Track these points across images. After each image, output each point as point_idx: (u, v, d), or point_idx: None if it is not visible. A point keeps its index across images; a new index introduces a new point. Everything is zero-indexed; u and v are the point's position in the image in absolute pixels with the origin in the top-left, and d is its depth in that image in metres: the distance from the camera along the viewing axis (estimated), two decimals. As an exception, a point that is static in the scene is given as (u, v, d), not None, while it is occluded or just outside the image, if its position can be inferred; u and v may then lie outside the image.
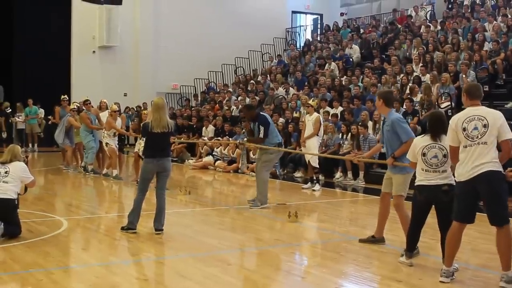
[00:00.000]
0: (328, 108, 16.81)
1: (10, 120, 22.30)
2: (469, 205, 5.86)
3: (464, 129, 5.80)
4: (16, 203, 7.74)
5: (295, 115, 17.92)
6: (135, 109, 23.90)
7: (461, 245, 6.07)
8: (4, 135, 21.90)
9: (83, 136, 15.24)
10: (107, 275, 6.40)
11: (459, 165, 5.84)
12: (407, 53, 19.42)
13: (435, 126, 6.40)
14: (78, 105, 16.33)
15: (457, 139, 5.89)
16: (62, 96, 18.73)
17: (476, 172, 5.70)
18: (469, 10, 20.95)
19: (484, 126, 5.73)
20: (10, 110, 22.60)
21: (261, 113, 11.44)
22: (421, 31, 20.77)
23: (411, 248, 6.61)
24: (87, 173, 15.08)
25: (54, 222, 8.93)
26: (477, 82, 15.76)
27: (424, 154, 6.30)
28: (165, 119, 8.09)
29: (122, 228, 8.17)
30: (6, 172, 7.67)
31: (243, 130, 18.30)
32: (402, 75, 17.39)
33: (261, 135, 10.74)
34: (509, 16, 18.46)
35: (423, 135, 6.55)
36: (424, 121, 15.11)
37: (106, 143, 14.40)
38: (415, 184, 6.43)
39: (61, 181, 14.79)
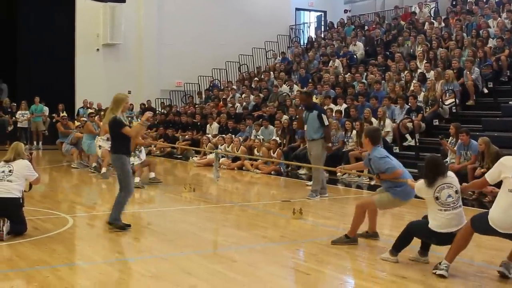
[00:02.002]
0: (332, 105, 16.80)
1: (13, 118, 22.27)
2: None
3: None
4: (21, 201, 7.74)
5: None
6: (140, 106, 23.95)
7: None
8: (11, 128, 21.97)
9: (85, 145, 15.75)
10: (112, 272, 6.42)
11: (497, 210, 5.73)
12: (411, 50, 19.40)
13: (429, 173, 6.33)
14: (85, 119, 17.12)
15: (496, 177, 5.86)
16: (62, 114, 19.09)
17: None
18: (473, 7, 20.90)
19: None
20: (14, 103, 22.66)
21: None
22: (425, 27, 20.75)
23: (399, 249, 6.61)
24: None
25: (60, 219, 8.96)
26: (481, 78, 15.77)
27: (437, 198, 6.24)
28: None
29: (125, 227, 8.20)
30: (10, 171, 7.66)
31: (247, 127, 18.35)
32: (406, 71, 17.37)
33: (326, 122, 11.16)
34: (514, 13, 18.42)
35: (423, 182, 6.41)
36: (428, 118, 15.12)
37: (100, 146, 14.61)
38: (433, 228, 6.26)
39: (66, 179, 14.86)
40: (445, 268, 6.02)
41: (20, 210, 7.72)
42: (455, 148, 12.44)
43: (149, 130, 19.84)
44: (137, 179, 12.72)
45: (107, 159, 14.36)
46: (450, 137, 12.90)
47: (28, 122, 22.27)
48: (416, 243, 6.67)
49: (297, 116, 12.56)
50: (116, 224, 8.07)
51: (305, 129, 11.52)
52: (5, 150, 15.76)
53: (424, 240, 6.56)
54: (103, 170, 14.27)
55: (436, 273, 6.04)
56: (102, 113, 17.28)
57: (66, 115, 19.32)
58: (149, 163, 13.63)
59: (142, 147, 13.82)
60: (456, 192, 6.27)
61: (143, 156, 13.61)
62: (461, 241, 6.02)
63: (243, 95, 21.83)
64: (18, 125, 22.07)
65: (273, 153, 16.01)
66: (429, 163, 6.44)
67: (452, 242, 6.10)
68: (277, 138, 16.81)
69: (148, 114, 8.47)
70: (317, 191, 11.32)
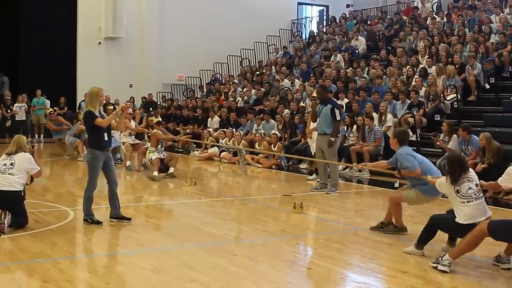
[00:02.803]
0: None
1: (8, 110, 22.06)
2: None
3: None
4: (23, 194, 7.75)
5: (301, 104, 17.86)
6: (141, 100, 23.96)
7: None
8: (8, 123, 21.88)
9: None
10: (114, 265, 6.45)
11: None
12: (413, 45, 19.37)
13: (454, 171, 6.44)
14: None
15: (506, 185, 6.33)
16: (49, 110, 19.01)
17: None
18: (475, 2, 20.87)
19: None
20: (10, 97, 22.57)
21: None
22: (427, 23, 20.72)
23: (424, 242, 6.66)
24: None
25: (61, 212, 8.98)
26: (483, 74, 15.75)
27: (458, 191, 6.35)
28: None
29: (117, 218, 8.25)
30: (11, 164, 7.66)
31: (248, 121, 18.36)
32: (408, 67, 17.35)
33: (338, 117, 11.18)
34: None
35: (445, 178, 6.56)
36: (429, 113, 15.11)
37: (123, 142, 15.07)
38: (460, 222, 6.29)
39: (67, 172, 14.87)
40: (448, 264, 6.04)
41: (22, 203, 7.72)
42: (448, 146, 12.39)
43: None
44: (155, 173, 12.81)
45: (130, 153, 14.77)
46: (442, 134, 12.85)
47: (26, 114, 22.18)
48: (413, 237, 6.69)
49: (311, 109, 12.65)
50: (91, 219, 8.05)
51: (316, 122, 11.57)
52: (4, 143, 15.89)
53: (450, 234, 6.71)
54: (128, 163, 14.47)
55: (438, 268, 6.06)
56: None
57: (54, 109, 19.10)
58: (171, 158, 13.66)
59: (163, 143, 13.84)
60: (476, 185, 6.40)
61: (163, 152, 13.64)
62: (471, 244, 6.06)
63: (245, 89, 21.83)
64: (16, 118, 21.96)
65: (274, 147, 16.01)
66: (453, 161, 6.55)
67: (462, 241, 6.13)
68: (278, 132, 16.82)
69: (123, 104, 8.46)
70: (336, 185, 11.40)
